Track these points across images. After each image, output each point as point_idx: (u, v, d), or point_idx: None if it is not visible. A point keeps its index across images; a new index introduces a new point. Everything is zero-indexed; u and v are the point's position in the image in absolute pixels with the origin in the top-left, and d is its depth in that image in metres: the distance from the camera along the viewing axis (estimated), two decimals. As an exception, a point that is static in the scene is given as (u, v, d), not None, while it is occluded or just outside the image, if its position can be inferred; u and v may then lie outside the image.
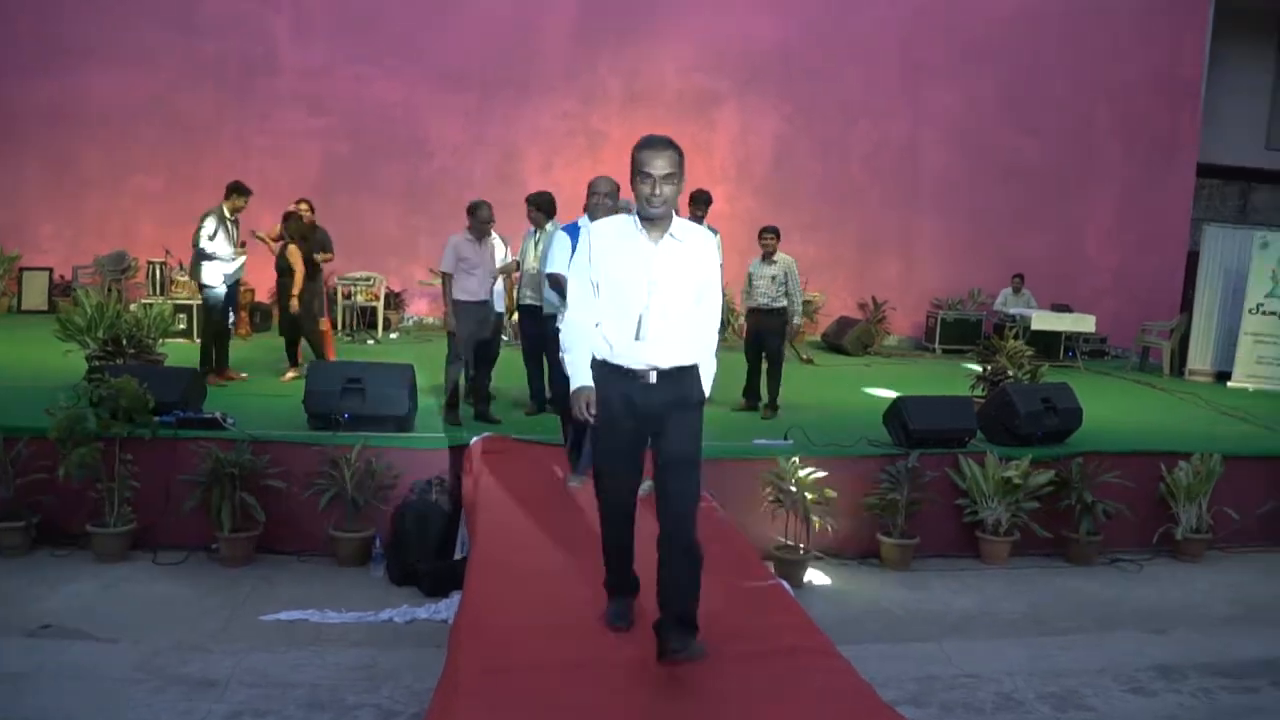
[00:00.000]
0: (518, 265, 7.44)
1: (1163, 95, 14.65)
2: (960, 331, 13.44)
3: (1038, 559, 6.22)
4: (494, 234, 7.15)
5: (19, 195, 12.71)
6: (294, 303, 7.92)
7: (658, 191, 3.05)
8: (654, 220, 3.12)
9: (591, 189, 5.26)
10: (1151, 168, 14.76)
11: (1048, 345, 12.16)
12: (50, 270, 12.52)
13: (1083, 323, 12.63)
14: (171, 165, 12.63)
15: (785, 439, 6.27)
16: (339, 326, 11.87)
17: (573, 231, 5.19)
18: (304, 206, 8.75)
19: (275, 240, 8.50)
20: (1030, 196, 14.44)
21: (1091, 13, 14.30)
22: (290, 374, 8.13)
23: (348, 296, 12.05)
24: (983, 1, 14.09)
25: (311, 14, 13.07)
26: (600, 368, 3.18)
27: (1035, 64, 14.32)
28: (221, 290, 8.00)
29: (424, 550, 5.29)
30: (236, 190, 8.08)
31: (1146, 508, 6.45)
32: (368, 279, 12.20)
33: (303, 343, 8.31)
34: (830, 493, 5.63)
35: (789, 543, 5.65)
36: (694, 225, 3.34)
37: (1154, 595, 5.75)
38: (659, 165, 3.05)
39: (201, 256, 7.89)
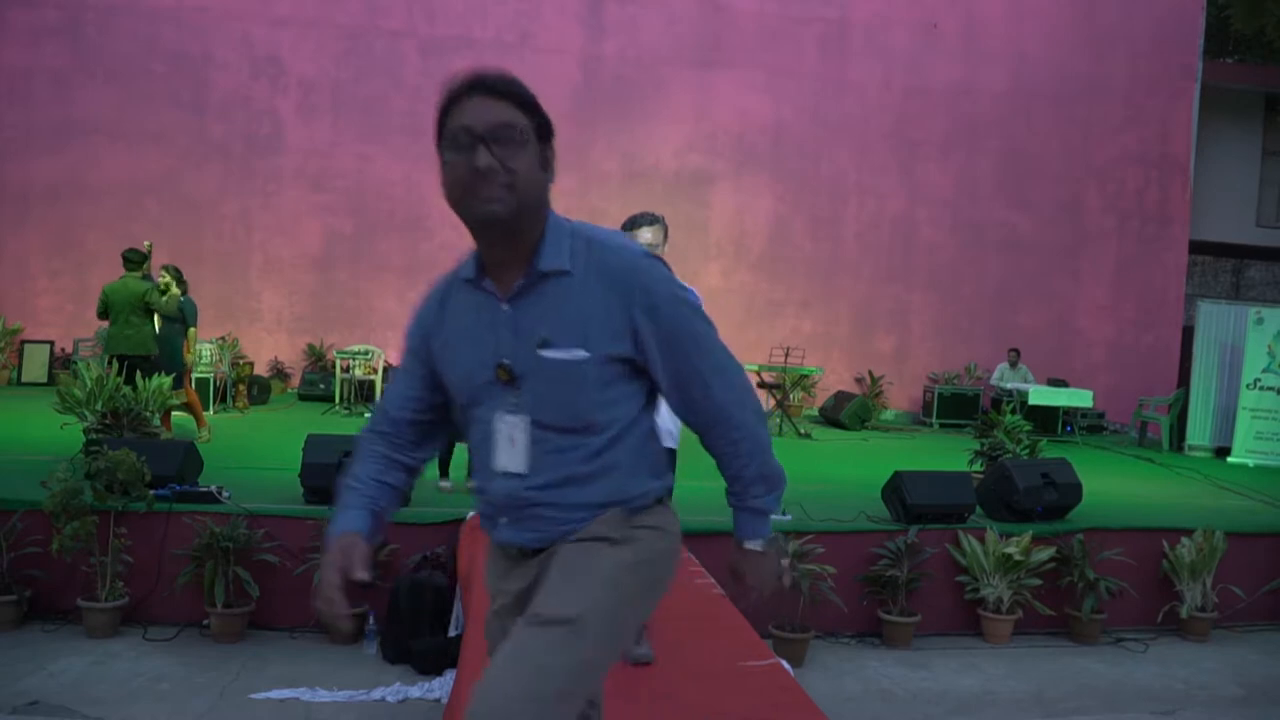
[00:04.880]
0: None
1: (1154, 172, 14.93)
2: (957, 406, 13.46)
3: (1041, 637, 6.14)
4: None
5: (22, 268, 12.85)
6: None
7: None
8: None
9: None
10: (1144, 243, 14.96)
11: (1045, 420, 12.17)
12: (51, 343, 12.58)
13: (1079, 398, 12.66)
14: (175, 240, 12.79)
15: (783, 514, 6.23)
16: (338, 400, 11.89)
17: None
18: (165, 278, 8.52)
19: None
20: (1024, 272, 14.61)
21: (1082, 91, 14.65)
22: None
23: (346, 370, 12.08)
24: (974, 81, 14.43)
25: (318, 96, 13.38)
26: None
27: (1027, 141, 14.62)
28: None
29: (418, 627, 5.22)
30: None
31: (1150, 585, 6.39)
32: (365, 352, 12.25)
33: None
34: (829, 569, 5.58)
35: (788, 621, 5.58)
36: None
37: (1160, 675, 5.65)
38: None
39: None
